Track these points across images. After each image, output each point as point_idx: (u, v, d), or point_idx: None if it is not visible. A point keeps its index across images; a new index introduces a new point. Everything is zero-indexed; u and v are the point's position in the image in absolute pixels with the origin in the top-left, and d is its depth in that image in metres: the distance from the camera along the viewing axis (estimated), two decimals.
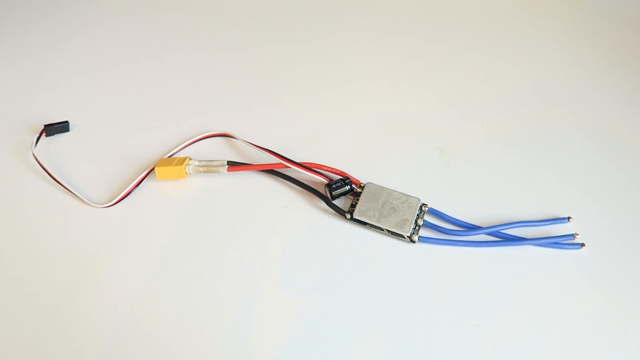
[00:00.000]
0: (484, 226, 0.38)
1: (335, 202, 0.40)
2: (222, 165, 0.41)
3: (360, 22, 0.60)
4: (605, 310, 0.34)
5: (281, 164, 0.41)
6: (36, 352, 0.32)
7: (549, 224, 0.39)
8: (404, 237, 0.37)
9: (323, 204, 0.40)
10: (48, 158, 0.44)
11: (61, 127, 0.46)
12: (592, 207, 0.40)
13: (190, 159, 0.42)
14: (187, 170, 0.41)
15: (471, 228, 0.38)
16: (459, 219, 0.39)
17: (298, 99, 0.50)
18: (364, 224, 0.38)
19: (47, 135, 0.45)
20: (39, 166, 0.42)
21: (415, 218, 0.38)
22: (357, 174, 0.42)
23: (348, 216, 0.38)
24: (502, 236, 0.38)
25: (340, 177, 0.41)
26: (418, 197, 0.39)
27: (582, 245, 0.37)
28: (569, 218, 0.39)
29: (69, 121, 0.46)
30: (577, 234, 0.37)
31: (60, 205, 0.40)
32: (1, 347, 0.33)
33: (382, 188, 0.39)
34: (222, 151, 0.45)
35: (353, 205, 0.39)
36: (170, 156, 0.43)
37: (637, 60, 0.54)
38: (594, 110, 0.49)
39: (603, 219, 0.40)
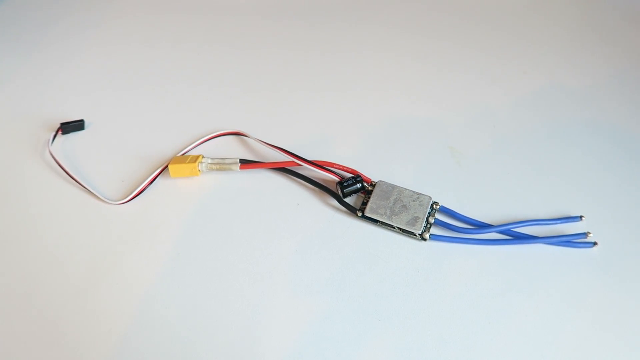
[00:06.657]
0: (495, 224, 0.38)
1: (347, 199, 0.40)
2: (235, 163, 0.42)
3: (372, 23, 0.60)
4: (617, 310, 0.34)
5: (293, 162, 0.41)
6: (53, 345, 0.33)
7: (561, 223, 0.38)
8: (415, 235, 0.37)
9: (334, 202, 0.40)
10: (64, 155, 0.44)
11: (77, 126, 0.46)
12: (605, 206, 0.40)
13: (203, 156, 0.42)
14: (200, 168, 0.42)
15: (482, 226, 0.38)
16: (470, 217, 0.39)
17: (310, 98, 0.50)
18: (375, 221, 0.38)
19: (63, 134, 0.46)
20: (55, 163, 0.42)
21: (426, 216, 0.38)
22: (369, 172, 0.42)
23: (359, 214, 0.39)
24: (513, 234, 0.38)
25: (351, 175, 0.41)
26: (429, 195, 0.39)
27: (595, 244, 0.37)
28: (581, 217, 0.39)
29: (84, 120, 0.47)
30: (590, 233, 0.37)
31: (75, 202, 0.41)
32: (19, 340, 0.33)
33: (393, 186, 0.40)
34: (234, 149, 0.45)
35: (364, 203, 0.39)
36: (183, 154, 0.44)
37: None
38: (606, 110, 0.49)
39: (616, 218, 0.39)
